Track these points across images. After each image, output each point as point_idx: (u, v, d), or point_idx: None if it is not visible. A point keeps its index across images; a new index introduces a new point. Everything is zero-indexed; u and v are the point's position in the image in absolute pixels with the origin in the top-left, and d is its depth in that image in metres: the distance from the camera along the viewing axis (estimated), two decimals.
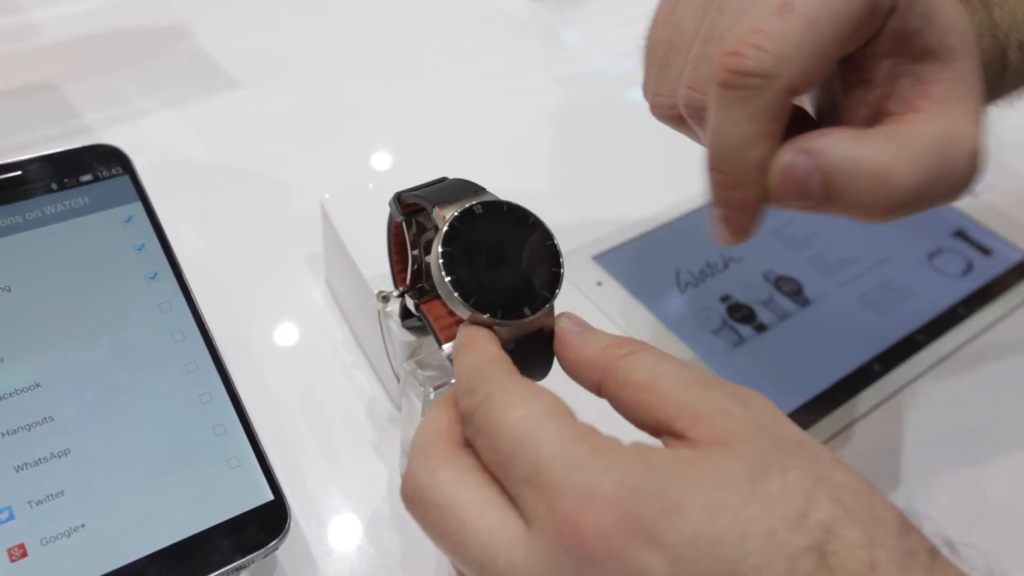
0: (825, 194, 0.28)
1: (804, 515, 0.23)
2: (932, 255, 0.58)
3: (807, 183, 0.28)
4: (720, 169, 0.29)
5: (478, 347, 0.29)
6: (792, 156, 0.28)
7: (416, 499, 0.27)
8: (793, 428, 0.26)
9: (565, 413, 0.26)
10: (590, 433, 0.26)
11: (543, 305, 0.32)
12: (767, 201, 0.29)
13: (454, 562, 0.27)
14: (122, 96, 0.63)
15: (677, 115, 0.33)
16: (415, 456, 0.28)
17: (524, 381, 0.28)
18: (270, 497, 0.35)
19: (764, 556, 0.22)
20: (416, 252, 0.39)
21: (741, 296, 0.54)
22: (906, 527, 0.24)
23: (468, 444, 0.28)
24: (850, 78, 0.30)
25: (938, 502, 0.44)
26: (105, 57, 0.67)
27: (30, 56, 0.66)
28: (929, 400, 0.50)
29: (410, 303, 0.40)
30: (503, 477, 0.26)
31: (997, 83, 0.38)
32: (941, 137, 0.28)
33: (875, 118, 0.30)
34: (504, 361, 0.29)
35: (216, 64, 0.67)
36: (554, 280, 0.32)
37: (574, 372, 0.30)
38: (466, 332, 0.31)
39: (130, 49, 0.68)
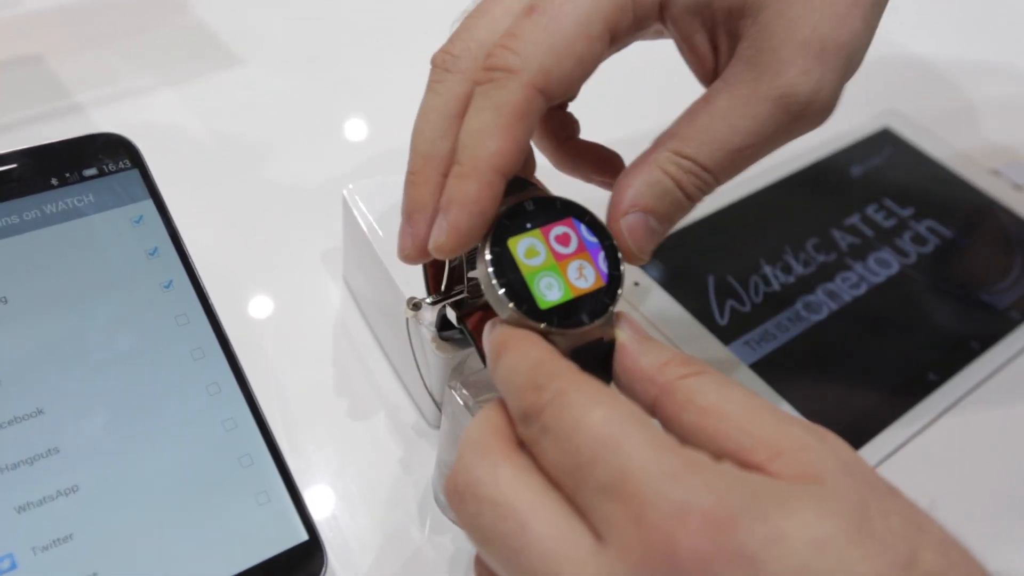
0: (669, 222, 0.31)
1: (912, 564, 0.21)
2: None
3: (650, 226, 0.31)
4: (458, 160, 0.28)
5: (531, 343, 0.27)
6: (626, 218, 0.30)
7: (469, 495, 0.25)
8: (874, 471, 0.25)
9: (647, 420, 0.24)
10: (679, 445, 0.23)
11: (603, 311, 0.28)
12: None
13: (503, 568, 0.24)
14: (114, 73, 0.58)
15: None
16: (468, 449, 0.25)
17: (597, 381, 0.25)
18: (304, 537, 0.32)
19: None
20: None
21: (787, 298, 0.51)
22: None
23: (525, 447, 0.26)
24: (686, 46, 0.32)
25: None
26: (95, 29, 0.61)
27: (12, 26, 0.61)
28: (987, 410, 0.47)
29: (451, 315, 0.37)
30: (572, 483, 0.24)
31: None
32: (735, 108, 0.30)
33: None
34: (564, 358, 0.26)
35: (217, 38, 0.62)
36: (615, 285, 0.29)
37: (628, 383, 0.28)
38: (507, 331, 0.28)
39: (122, 20, 0.63)
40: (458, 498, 0.25)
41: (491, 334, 0.28)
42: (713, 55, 0.32)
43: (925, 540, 0.22)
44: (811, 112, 0.31)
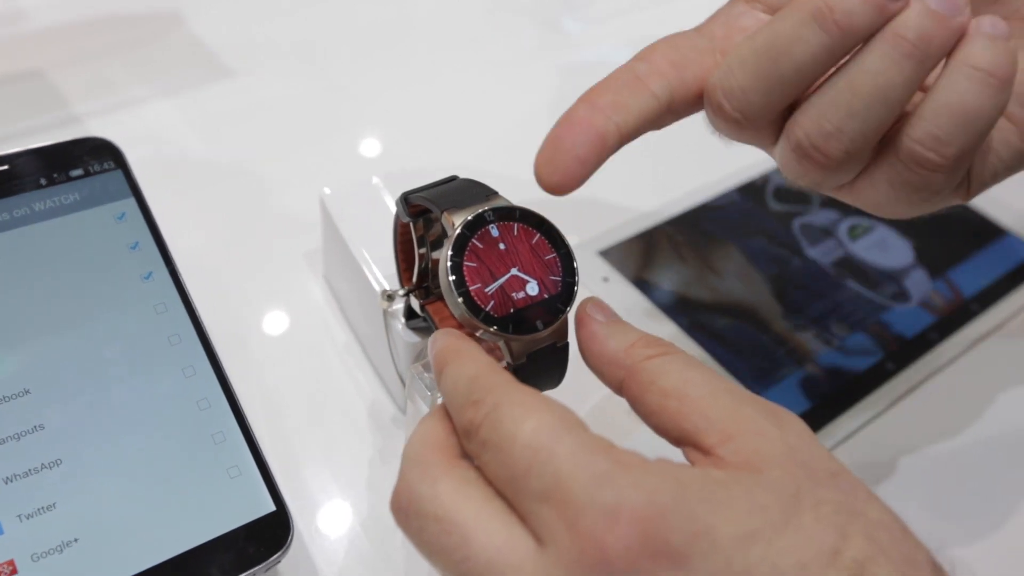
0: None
1: (838, 551, 0.22)
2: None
3: None
4: None
5: (470, 356, 0.28)
6: None
7: (412, 512, 0.25)
8: (826, 455, 0.25)
9: (579, 425, 0.25)
10: (610, 447, 0.24)
11: (557, 318, 0.30)
12: None
13: None
14: (112, 85, 0.61)
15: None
16: (409, 466, 0.26)
17: (531, 391, 0.26)
18: (272, 508, 0.34)
19: None
20: (423, 250, 0.38)
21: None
22: (937, 569, 0.23)
23: (466, 457, 0.27)
24: None
25: (949, 510, 0.43)
26: (95, 44, 0.64)
27: (15, 41, 0.64)
28: (943, 399, 0.49)
29: (415, 303, 0.39)
30: (513, 492, 0.25)
31: None
32: None
33: None
34: (502, 371, 0.27)
35: (210, 52, 0.65)
36: (568, 292, 0.31)
37: (596, 367, 0.29)
38: (450, 340, 0.29)
39: (121, 35, 0.66)
40: (402, 515, 0.26)
41: (434, 346, 0.29)
42: None
43: (855, 526, 0.23)
44: None
